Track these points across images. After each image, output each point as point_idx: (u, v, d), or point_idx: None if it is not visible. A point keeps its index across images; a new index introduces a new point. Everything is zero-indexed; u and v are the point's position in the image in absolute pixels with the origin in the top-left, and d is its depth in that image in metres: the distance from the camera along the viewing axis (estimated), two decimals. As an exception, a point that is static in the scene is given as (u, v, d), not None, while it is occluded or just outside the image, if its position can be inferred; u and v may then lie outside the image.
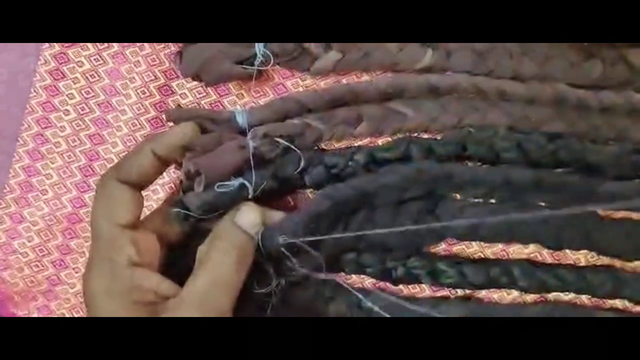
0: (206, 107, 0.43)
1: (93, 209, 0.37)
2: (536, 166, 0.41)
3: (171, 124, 0.41)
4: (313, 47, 0.40)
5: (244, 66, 0.40)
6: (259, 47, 0.39)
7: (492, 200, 0.42)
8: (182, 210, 0.38)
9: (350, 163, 0.41)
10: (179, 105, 0.42)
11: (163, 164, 0.38)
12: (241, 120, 0.40)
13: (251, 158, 0.38)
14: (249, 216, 0.38)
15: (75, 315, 0.46)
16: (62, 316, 0.46)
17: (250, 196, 0.38)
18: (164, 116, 0.42)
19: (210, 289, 0.35)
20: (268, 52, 0.39)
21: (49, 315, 0.46)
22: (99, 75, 0.42)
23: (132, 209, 0.37)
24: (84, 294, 0.36)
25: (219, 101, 0.42)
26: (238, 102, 0.42)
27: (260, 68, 0.40)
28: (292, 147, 0.40)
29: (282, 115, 0.41)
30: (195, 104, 0.42)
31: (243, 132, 0.40)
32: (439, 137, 0.42)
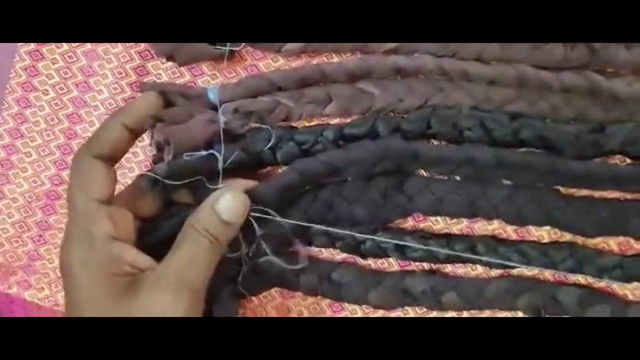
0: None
1: (69, 185, 0.38)
2: (498, 144, 0.43)
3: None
4: None
5: (216, 46, 0.41)
6: None
7: (457, 178, 0.44)
8: (151, 175, 0.39)
9: (319, 139, 0.43)
10: (154, 81, 0.44)
11: (133, 134, 0.40)
12: (212, 96, 0.42)
13: (221, 131, 0.40)
14: (229, 204, 0.38)
15: (54, 289, 0.47)
16: (40, 290, 0.48)
17: (220, 167, 0.40)
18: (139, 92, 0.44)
19: (186, 268, 0.37)
20: None
21: (28, 289, 0.48)
22: (76, 56, 0.44)
23: (107, 183, 0.38)
24: (61, 267, 0.38)
25: (192, 82, 0.44)
26: (211, 82, 0.44)
27: (232, 49, 0.42)
28: (263, 125, 0.42)
29: (253, 92, 0.42)
30: None
31: (215, 109, 0.42)
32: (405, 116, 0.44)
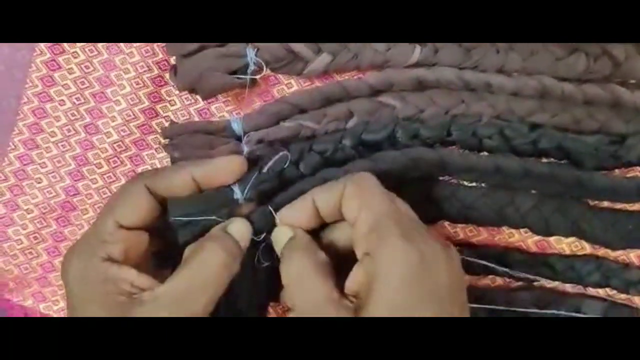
0: (194, 115, 0.47)
1: (109, 200, 0.40)
2: (517, 154, 0.45)
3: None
4: (304, 51, 0.43)
5: (237, 76, 0.43)
6: (250, 57, 0.43)
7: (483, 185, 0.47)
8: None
9: (339, 147, 0.44)
10: (172, 121, 0.46)
11: (197, 188, 0.40)
12: (237, 127, 0.44)
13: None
14: (240, 228, 0.40)
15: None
16: (56, 302, 0.50)
17: (240, 199, 0.41)
18: (159, 127, 0.47)
19: (189, 289, 0.37)
20: (260, 60, 0.43)
21: (43, 302, 0.50)
22: (93, 66, 0.45)
23: (142, 215, 0.39)
24: (61, 272, 0.39)
25: (206, 108, 0.47)
26: (225, 108, 0.47)
27: (253, 77, 0.43)
28: (281, 148, 0.43)
29: (276, 118, 0.44)
30: (183, 110, 0.47)
31: (238, 138, 0.44)
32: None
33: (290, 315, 0.37)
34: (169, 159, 0.46)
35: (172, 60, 0.45)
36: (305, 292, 0.37)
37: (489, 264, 0.46)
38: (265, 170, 0.42)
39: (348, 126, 0.45)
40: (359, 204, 0.38)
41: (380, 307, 0.34)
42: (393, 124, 0.45)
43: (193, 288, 0.37)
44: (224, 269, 0.38)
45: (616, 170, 0.46)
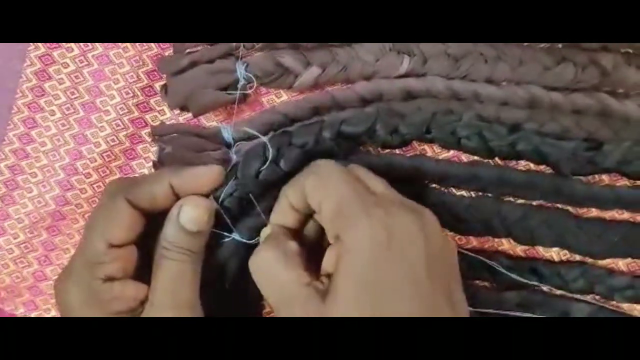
0: (183, 122, 0.48)
1: (92, 218, 0.40)
2: (495, 155, 0.46)
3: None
4: (293, 65, 0.44)
5: (228, 92, 0.44)
6: (240, 72, 0.44)
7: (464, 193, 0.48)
8: None
9: (320, 137, 0.45)
10: (162, 122, 0.47)
11: (177, 197, 0.41)
12: (227, 135, 0.45)
13: (229, 169, 0.43)
14: (191, 214, 0.40)
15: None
16: (47, 311, 0.51)
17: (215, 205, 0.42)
18: (149, 137, 0.48)
19: (175, 287, 0.39)
20: (250, 75, 0.44)
21: (35, 310, 0.51)
22: (83, 77, 0.46)
23: (132, 231, 0.40)
24: (58, 302, 0.39)
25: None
26: (214, 118, 0.47)
27: (244, 92, 0.45)
28: (263, 139, 0.44)
29: (266, 128, 0.45)
30: (173, 120, 0.48)
31: (228, 146, 0.45)
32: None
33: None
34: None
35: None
36: (271, 280, 0.38)
37: (481, 258, 0.47)
38: (239, 172, 0.43)
39: (326, 118, 0.46)
40: (320, 193, 0.38)
41: (347, 282, 0.35)
42: (373, 118, 0.45)
43: (177, 287, 0.39)
44: (189, 265, 0.40)
45: (605, 179, 0.47)
